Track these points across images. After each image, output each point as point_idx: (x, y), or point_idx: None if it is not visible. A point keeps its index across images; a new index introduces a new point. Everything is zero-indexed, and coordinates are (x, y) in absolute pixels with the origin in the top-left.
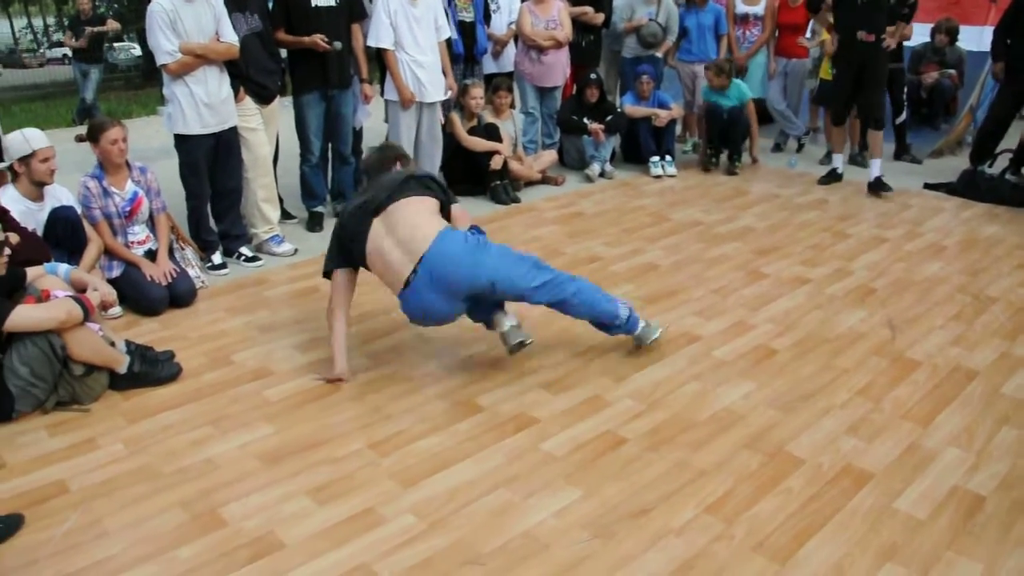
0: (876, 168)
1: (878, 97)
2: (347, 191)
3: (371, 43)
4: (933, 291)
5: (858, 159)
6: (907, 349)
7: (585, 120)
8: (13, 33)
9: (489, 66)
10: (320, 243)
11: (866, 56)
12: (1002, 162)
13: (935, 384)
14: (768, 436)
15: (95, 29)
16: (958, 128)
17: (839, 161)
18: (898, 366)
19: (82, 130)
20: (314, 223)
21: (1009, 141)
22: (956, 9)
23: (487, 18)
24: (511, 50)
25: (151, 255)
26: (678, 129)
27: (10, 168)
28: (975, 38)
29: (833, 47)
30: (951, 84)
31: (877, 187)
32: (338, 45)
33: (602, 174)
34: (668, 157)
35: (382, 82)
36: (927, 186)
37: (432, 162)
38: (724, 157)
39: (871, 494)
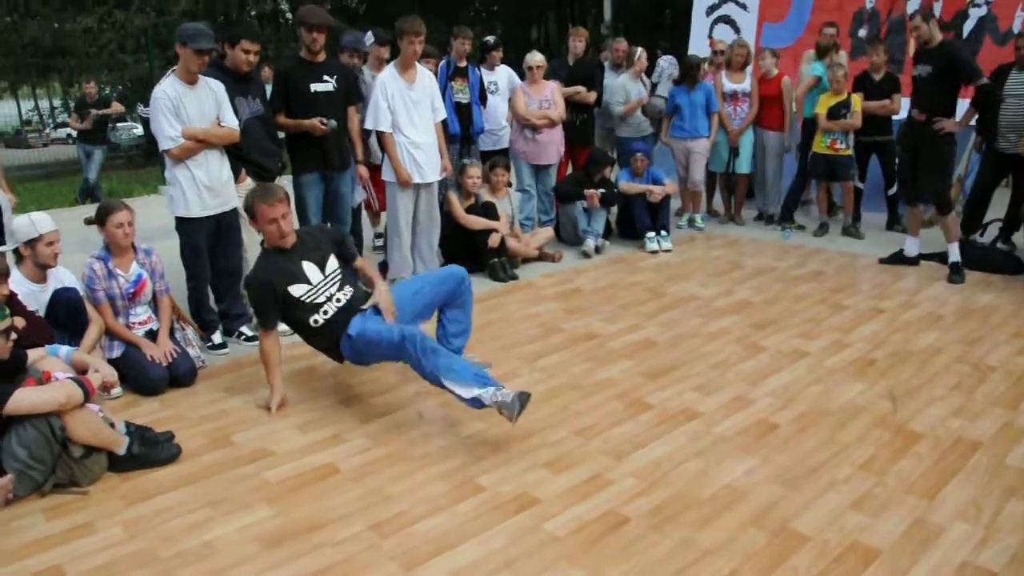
0: (953, 252)
1: (930, 180)
2: None
3: (369, 126)
4: (932, 361)
5: (851, 230)
6: (909, 421)
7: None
8: (20, 115)
9: (485, 144)
10: None
11: (916, 136)
12: (993, 231)
13: (939, 456)
14: (772, 513)
15: (100, 112)
16: None
17: (913, 246)
18: (900, 439)
19: (90, 211)
20: None
21: (999, 211)
22: None
23: (483, 99)
24: (507, 128)
25: (152, 335)
26: (676, 204)
27: (15, 251)
28: (956, 112)
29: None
30: None
31: (953, 272)
32: (333, 123)
33: (596, 249)
34: (663, 232)
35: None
36: (921, 256)
37: (430, 241)
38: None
39: (879, 571)
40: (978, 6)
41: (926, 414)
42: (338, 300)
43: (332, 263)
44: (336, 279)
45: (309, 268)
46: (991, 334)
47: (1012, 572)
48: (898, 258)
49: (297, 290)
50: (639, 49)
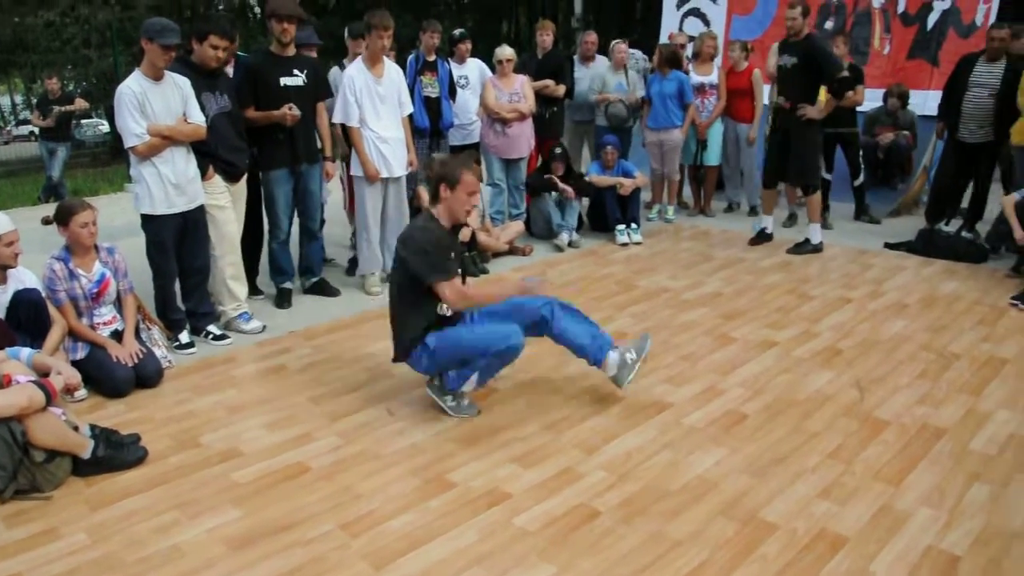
0: (814, 233)
1: (798, 165)
2: (315, 267)
3: (337, 120)
4: (898, 350)
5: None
6: (875, 409)
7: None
8: None
9: (455, 139)
10: (288, 320)
11: (784, 123)
12: (958, 220)
13: (904, 443)
14: (742, 503)
15: (63, 108)
16: (914, 188)
17: (768, 222)
18: (867, 427)
19: (49, 210)
20: (282, 299)
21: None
22: (902, 75)
23: (452, 93)
24: (477, 123)
25: (117, 336)
26: (646, 196)
27: None
28: (920, 102)
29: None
30: (906, 143)
31: (798, 246)
32: (297, 112)
33: (570, 243)
34: (634, 225)
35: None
36: (887, 245)
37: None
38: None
39: (847, 558)
40: None
41: (892, 402)
42: None
43: None
44: None
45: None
46: (955, 322)
47: (975, 555)
48: (761, 236)
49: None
50: (615, 41)
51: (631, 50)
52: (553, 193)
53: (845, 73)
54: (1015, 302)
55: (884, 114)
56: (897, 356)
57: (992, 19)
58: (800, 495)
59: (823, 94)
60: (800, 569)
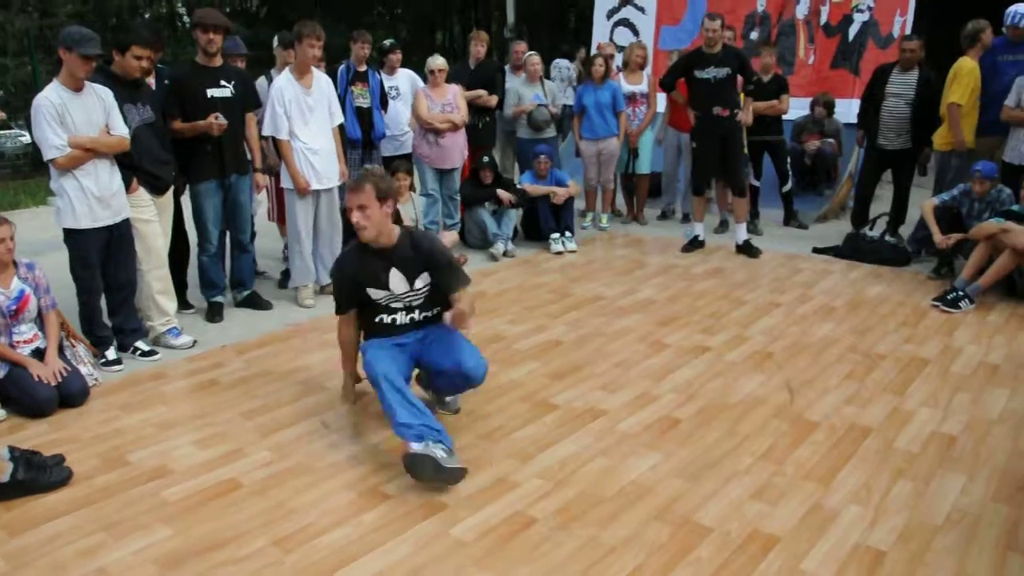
0: (742, 232)
1: (738, 167)
2: (246, 280)
3: (267, 132)
4: (826, 352)
5: (749, 226)
6: (805, 410)
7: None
8: None
9: (387, 150)
10: (220, 334)
11: (723, 130)
12: (882, 225)
13: (833, 443)
14: (676, 507)
15: None
16: (840, 194)
17: (700, 229)
18: (797, 428)
19: None
20: (213, 313)
21: (885, 205)
22: (826, 84)
23: (384, 104)
24: (409, 133)
25: (39, 354)
26: (580, 205)
27: None
28: (845, 110)
29: (692, 123)
30: (832, 151)
31: (746, 250)
32: (224, 121)
33: (505, 253)
34: (568, 233)
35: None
36: (815, 250)
37: (332, 247)
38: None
39: (778, 558)
40: (861, 12)
41: (821, 403)
42: (413, 315)
43: (424, 279)
44: (422, 297)
45: (395, 276)
46: (880, 324)
47: (899, 549)
48: (694, 243)
49: (375, 293)
50: (527, 53)
51: (559, 60)
52: (488, 203)
53: (757, 76)
54: (936, 304)
55: (811, 122)
56: (825, 358)
57: (908, 31)
58: (733, 497)
59: (744, 99)
60: (734, 570)
